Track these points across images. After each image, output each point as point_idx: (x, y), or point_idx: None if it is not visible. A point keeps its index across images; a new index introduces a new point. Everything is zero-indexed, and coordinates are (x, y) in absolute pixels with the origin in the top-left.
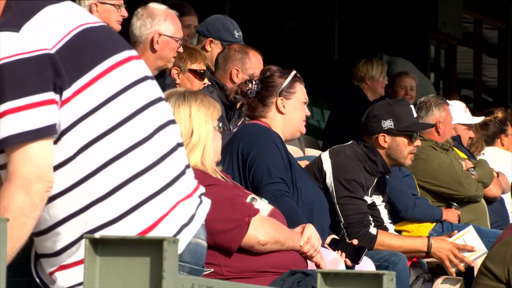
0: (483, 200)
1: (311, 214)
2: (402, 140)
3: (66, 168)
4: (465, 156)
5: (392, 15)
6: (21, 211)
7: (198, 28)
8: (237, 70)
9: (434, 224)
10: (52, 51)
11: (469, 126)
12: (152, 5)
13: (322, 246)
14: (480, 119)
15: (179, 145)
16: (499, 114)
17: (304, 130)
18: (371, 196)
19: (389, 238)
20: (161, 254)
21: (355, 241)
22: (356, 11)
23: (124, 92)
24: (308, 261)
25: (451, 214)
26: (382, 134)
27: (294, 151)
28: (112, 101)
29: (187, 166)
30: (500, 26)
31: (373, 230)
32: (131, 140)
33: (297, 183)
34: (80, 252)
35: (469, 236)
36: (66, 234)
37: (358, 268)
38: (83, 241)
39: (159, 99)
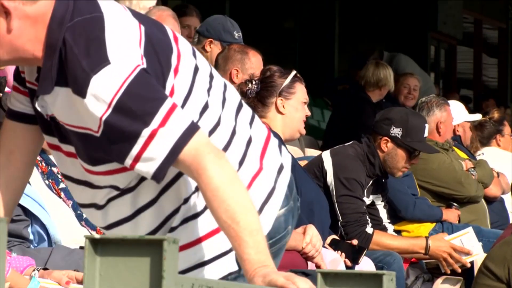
0: (483, 200)
1: (311, 214)
2: (402, 153)
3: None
4: (466, 156)
5: (392, 15)
6: (232, 177)
7: (197, 28)
8: (237, 71)
9: (434, 224)
10: (144, 65)
11: (472, 125)
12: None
13: (323, 246)
14: (479, 116)
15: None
16: (495, 114)
17: (304, 131)
18: (368, 197)
19: (385, 238)
20: (161, 254)
21: (355, 242)
22: (356, 11)
23: (196, 82)
24: (308, 261)
25: (451, 214)
26: (387, 138)
27: (294, 151)
28: (191, 95)
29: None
30: (500, 26)
31: (369, 229)
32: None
33: (297, 184)
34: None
35: (467, 238)
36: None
37: (358, 268)
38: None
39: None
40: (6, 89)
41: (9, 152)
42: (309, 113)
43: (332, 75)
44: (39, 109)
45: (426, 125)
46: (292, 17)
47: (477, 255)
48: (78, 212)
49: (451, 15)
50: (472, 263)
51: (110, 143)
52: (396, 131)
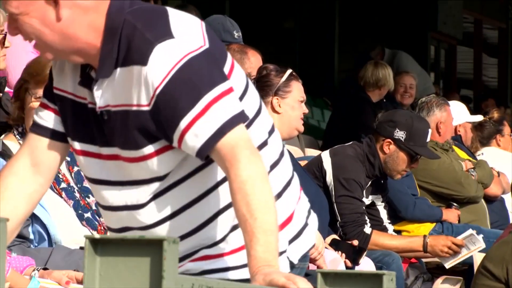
0: (483, 200)
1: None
2: (403, 156)
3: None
4: (466, 156)
5: (392, 15)
6: (263, 176)
7: None
8: None
9: (434, 224)
10: (208, 46)
11: (473, 126)
12: None
13: None
14: (480, 117)
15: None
16: (495, 114)
17: (302, 129)
18: (367, 197)
19: (384, 238)
20: (161, 254)
21: (355, 242)
22: (356, 12)
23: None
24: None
25: (451, 214)
26: (390, 140)
27: (294, 151)
28: (246, 94)
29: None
30: (500, 26)
31: (367, 229)
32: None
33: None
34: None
35: (469, 240)
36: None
37: (358, 268)
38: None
39: None
40: (6, 89)
41: (34, 164)
42: (306, 111)
43: (332, 75)
44: (97, 100)
45: (430, 130)
46: (292, 17)
47: (480, 248)
48: (79, 212)
49: (451, 15)
50: (472, 263)
51: (161, 115)
52: (399, 134)
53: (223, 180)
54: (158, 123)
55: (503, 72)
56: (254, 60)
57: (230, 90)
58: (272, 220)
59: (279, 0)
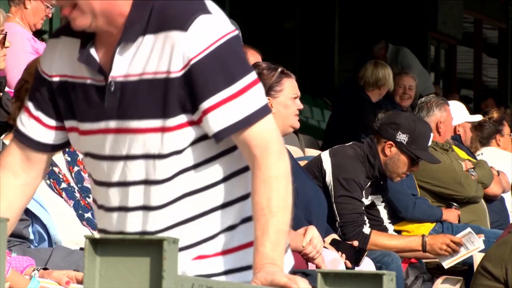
0: (482, 200)
1: (309, 214)
2: (404, 159)
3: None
4: (466, 156)
5: (392, 15)
6: (288, 175)
7: None
8: None
9: (434, 224)
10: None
11: (472, 126)
12: None
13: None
14: (479, 117)
15: None
16: (494, 114)
17: (297, 125)
18: (367, 198)
19: (382, 238)
20: (161, 254)
21: (355, 243)
22: (356, 12)
23: None
24: (309, 262)
25: (451, 214)
26: (391, 143)
27: (294, 151)
28: None
29: None
30: (500, 26)
31: (366, 230)
32: None
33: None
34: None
35: (467, 239)
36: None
37: (358, 268)
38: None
39: None
40: (7, 89)
41: (25, 158)
42: (301, 107)
43: (332, 75)
44: (114, 67)
45: (431, 134)
46: (292, 17)
47: (479, 248)
48: (79, 212)
49: (451, 15)
50: (472, 263)
51: (191, 86)
52: (402, 137)
53: (227, 177)
54: (186, 92)
55: (503, 72)
56: (254, 60)
57: (258, 80)
58: (287, 220)
59: (279, 0)
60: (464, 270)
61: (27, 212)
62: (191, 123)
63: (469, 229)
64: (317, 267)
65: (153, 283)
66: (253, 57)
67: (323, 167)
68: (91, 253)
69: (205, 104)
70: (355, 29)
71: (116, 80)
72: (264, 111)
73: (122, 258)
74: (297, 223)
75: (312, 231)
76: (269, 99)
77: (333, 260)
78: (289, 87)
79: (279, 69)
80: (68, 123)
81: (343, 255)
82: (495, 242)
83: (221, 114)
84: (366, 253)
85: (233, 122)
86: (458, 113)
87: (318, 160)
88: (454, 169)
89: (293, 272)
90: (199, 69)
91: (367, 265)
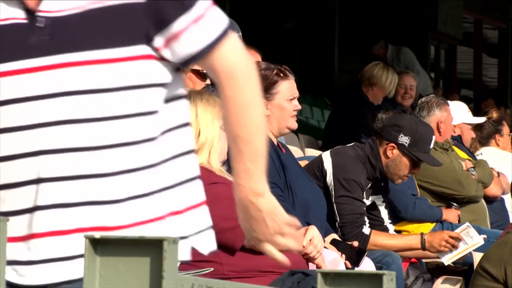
0: (483, 200)
1: (308, 214)
2: (406, 161)
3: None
4: (466, 156)
5: (392, 15)
6: (255, 100)
7: None
8: None
9: (434, 224)
10: None
11: (473, 126)
12: None
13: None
14: (483, 119)
15: None
16: (494, 114)
17: (294, 126)
18: (367, 198)
19: (382, 238)
20: (161, 254)
21: (355, 243)
22: (356, 12)
23: None
24: (309, 262)
25: (451, 214)
26: (393, 145)
27: (294, 151)
28: None
29: None
30: (500, 26)
31: (366, 230)
32: None
33: (291, 185)
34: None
35: (466, 233)
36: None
37: (358, 268)
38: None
39: None
40: None
41: None
42: (298, 107)
43: (332, 75)
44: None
45: (433, 137)
46: (292, 17)
47: (478, 243)
48: None
49: (451, 15)
50: (472, 263)
51: (155, 11)
52: (404, 139)
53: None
54: (149, 18)
55: (503, 72)
56: (254, 60)
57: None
58: (263, 144)
59: (279, 0)
60: (464, 270)
61: None
62: (145, 57)
63: (467, 224)
64: (318, 267)
65: (153, 283)
66: (253, 57)
67: (324, 167)
68: (91, 253)
69: (173, 29)
70: (355, 29)
71: (47, 15)
72: (229, 28)
73: (122, 258)
74: None
75: (313, 231)
76: (264, 101)
77: (333, 260)
78: (285, 88)
79: (275, 71)
80: None
81: (343, 255)
82: (494, 243)
83: (191, 36)
84: (366, 253)
85: (208, 42)
86: (460, 114)
87: (319, 160)
88: (454, 168)
89: (293, 272)
90: None
91: (367, 265)
